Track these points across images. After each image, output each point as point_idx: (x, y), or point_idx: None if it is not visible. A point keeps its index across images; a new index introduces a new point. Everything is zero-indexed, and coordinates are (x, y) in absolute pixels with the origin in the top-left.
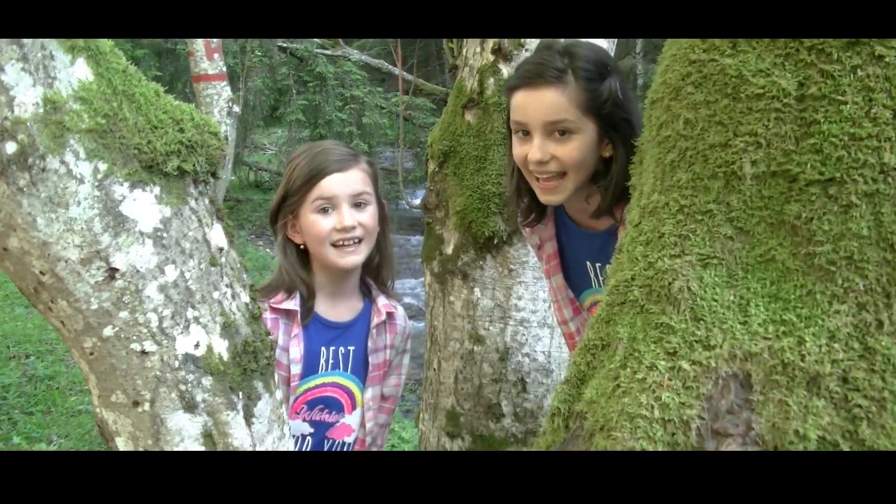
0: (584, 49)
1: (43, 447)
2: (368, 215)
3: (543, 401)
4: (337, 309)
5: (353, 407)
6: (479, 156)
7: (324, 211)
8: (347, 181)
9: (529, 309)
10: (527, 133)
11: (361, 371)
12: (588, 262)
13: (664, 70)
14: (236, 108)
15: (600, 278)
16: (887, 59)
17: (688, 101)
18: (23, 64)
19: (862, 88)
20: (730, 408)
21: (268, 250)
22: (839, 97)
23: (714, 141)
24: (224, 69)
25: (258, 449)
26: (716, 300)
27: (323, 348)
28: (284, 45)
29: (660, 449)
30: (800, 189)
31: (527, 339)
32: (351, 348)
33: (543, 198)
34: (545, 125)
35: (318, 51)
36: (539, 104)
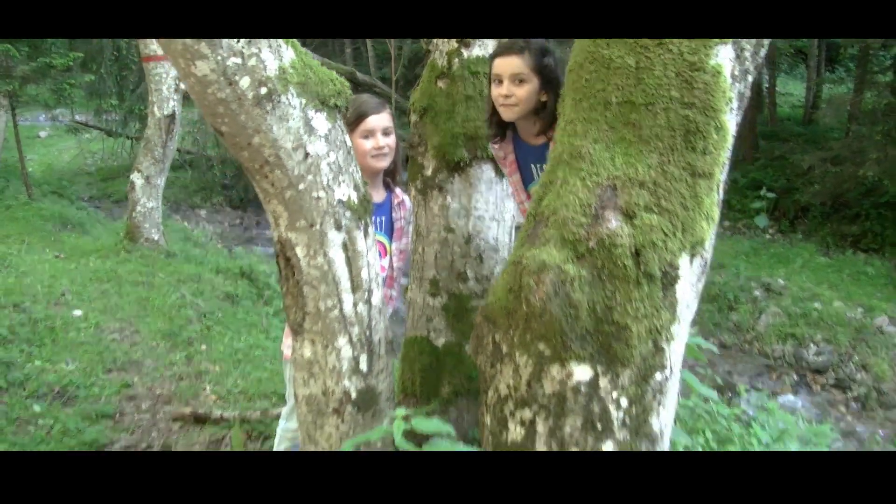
0: (535, 39)
1: (62, 367)
2: (392, 139)
3: (494, 269)
4: (373, 195)
5: (386, 254)
6: (449, 110)
7: (366, 137)
8: (381, 119)
9: (483, 209)
10: (500, 82)
11: (389, 231)
12: (532, 165)
13: (574, 55)
14: (183, 86)
15: (539, 175)
16: (671, 49)
17: (586, 70)
18: (269, 48)
19: (662, 63)
20: (608, 196)
21: (185, 223)
22: (652, 67)
23: (598, 88)
24: None
25: (368, 253)
26: (601, 156)
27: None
28: None
29: (579, 217)
30: (637, 107)
31: (482, 229)
32: (383, 218)
33: (504, 116)
34: (511, 76)
35: None
36: (509, 64)
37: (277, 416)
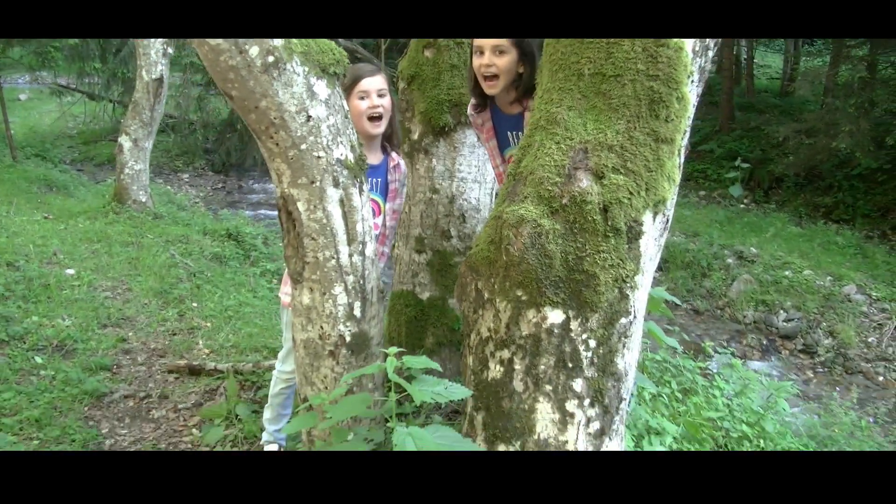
0: None
1: (59, 322)
2: (387, 101)
3: (476, 227)
4: (371, 157)
5: (380, 213)
6: (435, 77)
7: (361, 98)
8: (375, 82)
9: (466, 171)
10: (482, 53)
11: (384, 192)
12: (508, 132)
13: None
14: (170, 50)
15: (515, 141)
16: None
17: (561, 43)
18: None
19: (630, 39)
20: (580, 158)
21: (168, 187)
22: (621, 43)
23: (572, 60)
24: None
25: (362, 208)
26: (574, 122)
27: (370, 178)
28: None
29: (553, 177)
30: (607, 78)
31: (464, 190)
32: (378, 179)
33: (487, 91)
34: (492, 47)
35: None
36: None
37: (269, 368)
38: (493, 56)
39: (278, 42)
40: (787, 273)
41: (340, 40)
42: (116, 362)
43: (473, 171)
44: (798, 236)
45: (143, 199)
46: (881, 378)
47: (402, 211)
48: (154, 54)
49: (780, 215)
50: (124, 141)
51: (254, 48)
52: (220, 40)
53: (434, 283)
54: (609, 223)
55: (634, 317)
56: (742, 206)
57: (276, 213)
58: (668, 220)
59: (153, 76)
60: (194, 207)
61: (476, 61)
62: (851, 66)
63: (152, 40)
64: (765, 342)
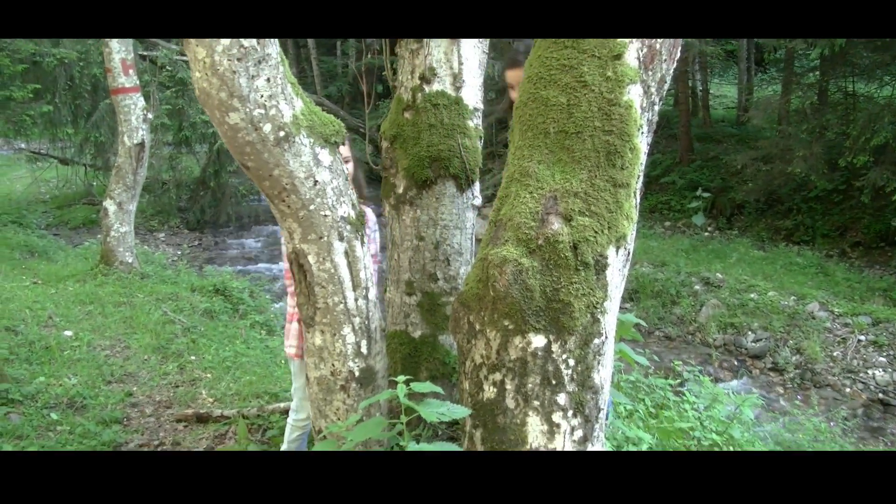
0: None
1: (66, 381)
2: (350, 166)
3: (460, 270)
4: None
5: None
6: (415, 137)
7: None
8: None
9: (448, 219)
10: (513, 87)
11: None
12: None
13: (519, 96)
14: (150, 115)
15: None
16: (594, 89)
17: (529, 107)
18: (285, 101)
19: (587, 100)
20: (551, 205)
21: (146, 246)
22: (579, 104)
23: (539, 121)
24: (137, 82)
25: (365, 257)
26: (544, 174)
27: None
28: (143, 53)
29: (529, 222)
30: (569, 135)
31: (447, 236)
32: None
33: None
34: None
35: (178, 57)
36: (518, 74)
37: (273, 412)
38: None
39: (287, 118)
40: (752, 295)
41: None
42: (126, 415)
43: (455, 219)
44: (761, 259)
45: (130, 260)
46: (847, 389)
47: (378, 254)
48: (135, 120)
49: (742, 241)
50: (109, 205)
51: (267, 125)
52: (238, 121)
53: (424, 322)
54: (579, 258)
55: (606, 337)
56: (706, 233)
57: (255, 266)
58: (629, 253)
59: (135, 141)
60: (177, 266)
61: (511, 94)
62: (802, 94)
63: (132, 107)
64: (735, 363)
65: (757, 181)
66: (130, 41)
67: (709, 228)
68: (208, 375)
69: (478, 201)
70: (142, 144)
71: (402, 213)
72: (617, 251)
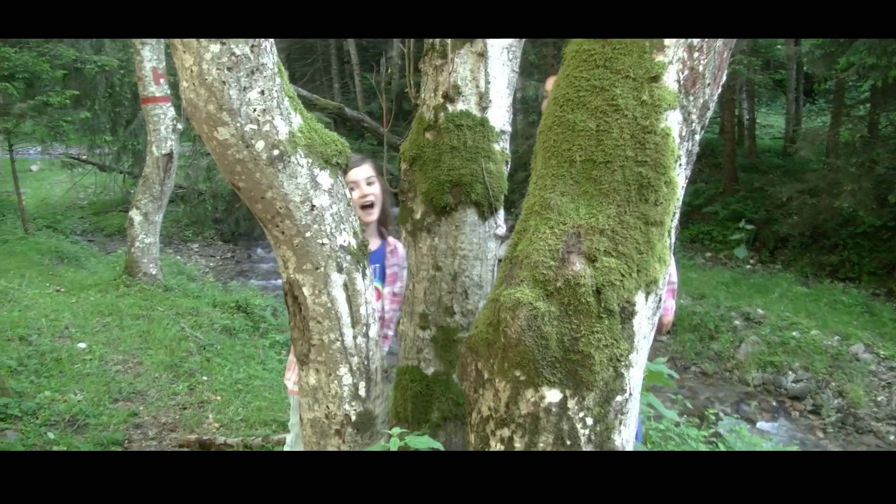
0: None
1: (71, 397)
2: (376, 188)
3: (479, 304)
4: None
5: (379, 298)
6: (436, 159)
7: (351, 189)
8: (362, 171)
9: (468, 249)
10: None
11: (381, 278)
12: None
13: (544, 119)
14: (179, 126)
15: None
16: (627, 114)
17: (553, 132)
18: (280, 116)
19: (619, 126)
20: (573, 242)
21: (178, 257)
22: (610, 130)
23: (564, 148)
24: (168, 91)
25: (365, 291)
26: (567, 207)
27: None
28: None
29: (548, 261)
30: (597, 165)
31: (466, 267)
32: (377, 265)
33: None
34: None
35: None
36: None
37: (278, 443)
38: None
39: (283, 136)
40: (794, 334)
41: (347, 110)
42: (128, 437)
43: (475, 249)
44: (804, 296)
45: (154, 272)
46: (892, 437)
47: (403, 293)
48: (164, 130)
49: (785, 275)
50: (135, 215)
51: (259, 142)
52: (227, 136)
53: (438, 358)
54: (602, 305)
55: (630, 394)
56: (748, 266)
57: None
58: (660, 299)
59: (163, 151)
60: (205, 279)
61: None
62: (852, 126)
63: (162, 116)
64: (774, 403)
65: (802, 214)
66: (162, 49)
67: (751, 261)
68: (218, 398)
69: (501, 231)
70: (170, 155)
71: (419, 241)
72: (646, 297)
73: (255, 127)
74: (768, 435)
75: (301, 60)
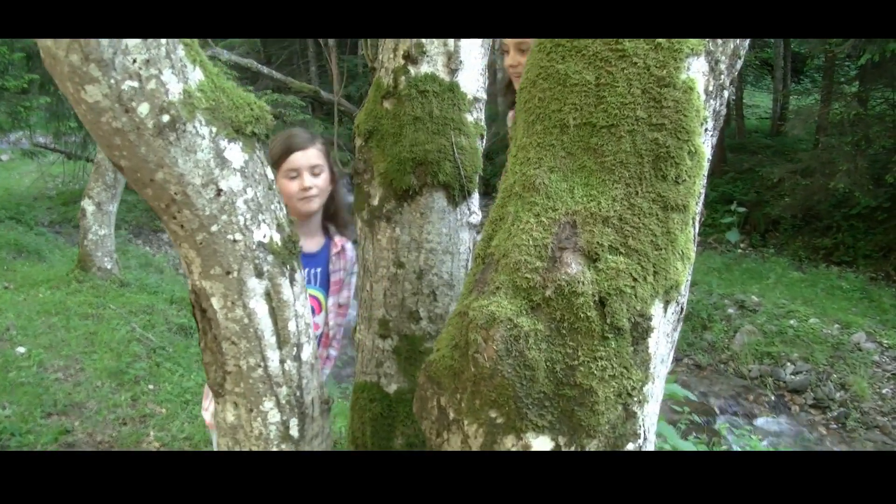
0: None
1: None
2: (323, 179)
3: (449, 307)
4: (307, 243)
5: (320, 310)
6: (396, 132)
7: (292, 178)
8: (308, 156)
9: (436, 241)
10: (507, 52)
11: (325, 285)
12: None
13: (526, 71)
14: None
15: None
16: (636, 62)
17: (539, 87)
18: (171, 69)
19: (626, 78)
20: (567, 236)
21: (147, 248)
22: (614, 84)
23: (553, 108)
24: None
25: (295, 302)
26: (558, 187)
27: (305, 268)
28: None
29: (533, 261)
30: (598, 130)
31: (434, 263)
32: (318, 269)
33: (516, 82)
34: (515, 44)
35: None
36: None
37: None
38: (515, 55)
39: (175, 96)
40: (791, 322)
41: (323, 93)
42: None
43: (444, 241)
44: (800, 281)
45: (109, 266)
46: None
47: (350, 304)
48: None
49: (779, 260)
50: (87, 205)
51: (143, 105)
52: (99, 97)
53: (402, 373)
54: (607, 320)
55: (644, 438)
56: (739, 251)
57: None
58: (682, 309)
59: None
60: (173, 271)
61: (508, 59)
62: (844, 104)
63: None
64: (773, 397)
65: (795, 196)
66: None
67: (742, 245)
68: (163, 410)
69: (476, 218)
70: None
71: (377, 232)
72: (665, 308)
73: (135, 84)
74: (771, 431)
75: (278, 43)
